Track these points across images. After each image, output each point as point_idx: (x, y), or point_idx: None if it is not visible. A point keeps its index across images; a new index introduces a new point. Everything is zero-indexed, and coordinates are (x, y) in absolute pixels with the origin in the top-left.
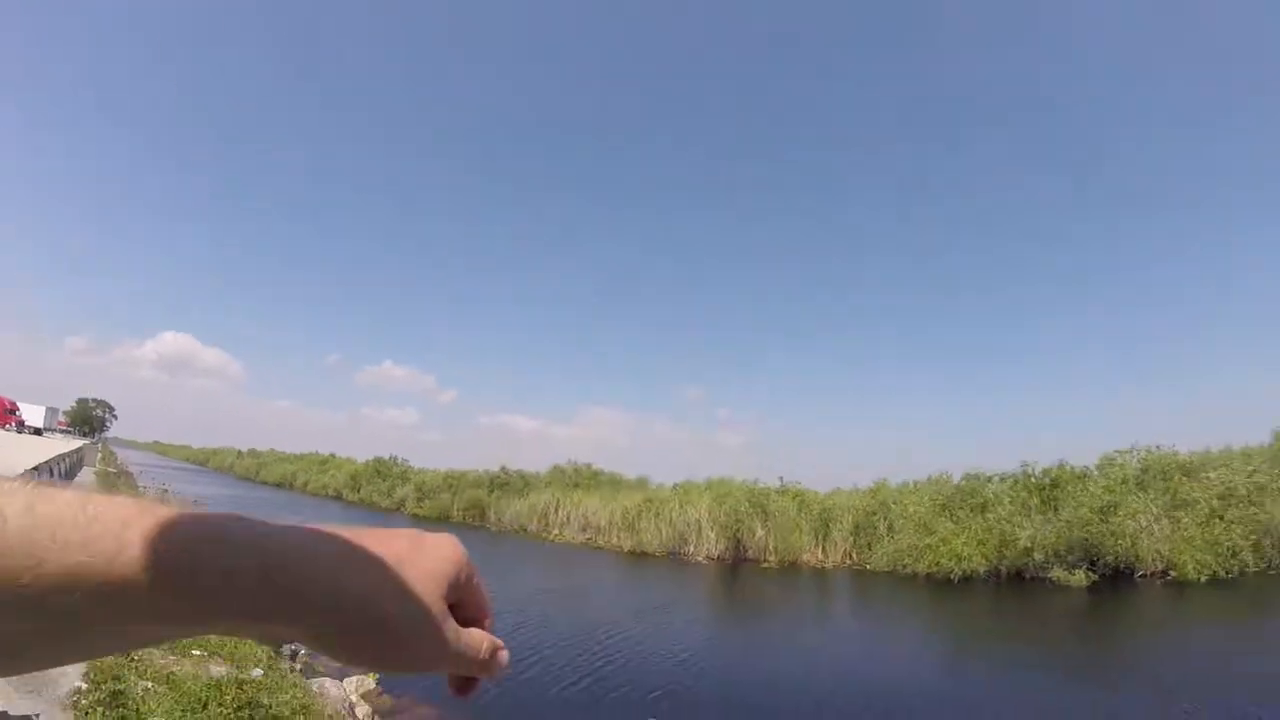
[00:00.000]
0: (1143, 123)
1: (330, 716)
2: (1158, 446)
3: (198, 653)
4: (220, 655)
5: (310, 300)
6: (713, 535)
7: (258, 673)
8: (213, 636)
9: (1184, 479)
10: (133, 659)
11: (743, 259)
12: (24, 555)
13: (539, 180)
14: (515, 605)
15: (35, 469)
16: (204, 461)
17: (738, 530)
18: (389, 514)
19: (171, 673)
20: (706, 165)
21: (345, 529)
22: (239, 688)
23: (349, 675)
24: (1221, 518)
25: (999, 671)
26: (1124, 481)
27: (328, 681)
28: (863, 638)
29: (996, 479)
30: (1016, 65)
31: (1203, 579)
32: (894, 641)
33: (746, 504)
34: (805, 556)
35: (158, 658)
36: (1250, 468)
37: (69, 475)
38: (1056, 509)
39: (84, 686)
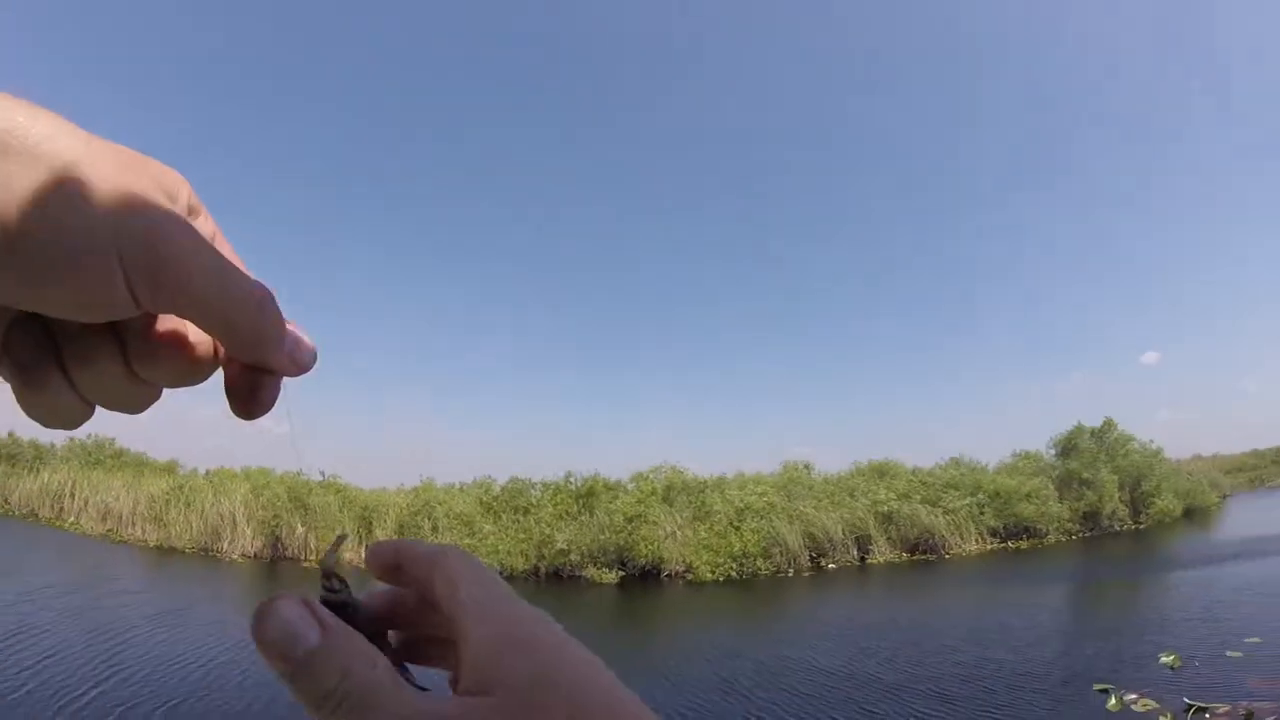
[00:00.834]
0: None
1: None
2: (673, 467)
3: None
4: None
5: None
6: (249, 530)
7: None
8: None
9: (708, 494)
10: None
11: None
12: None
13: None
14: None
15: None
16: None
17: (276, 525)
18: None
19: None
20: None
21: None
22: None
23: None
24: (738, 528)
25: None
26: (652, 494)
27: None
28: None
29: (540, 485)
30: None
31: (720, 579)
32: None
33: (286, 497)
34: (348, 555)
35: None
36: (760, 489)
37: None
38: (592, 514)
39: None
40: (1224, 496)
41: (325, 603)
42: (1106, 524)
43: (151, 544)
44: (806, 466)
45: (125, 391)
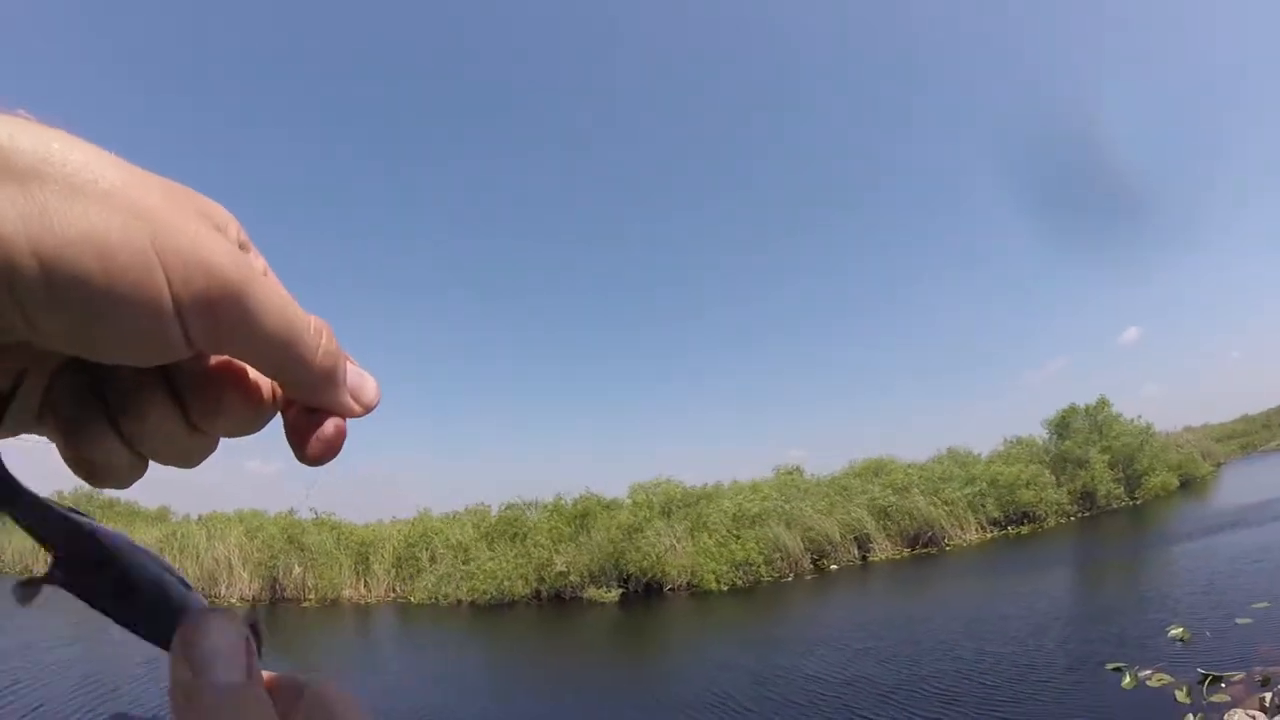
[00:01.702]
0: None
1: None
2: (673, 480)
3: None
4: None
5: None
6: (245, 574)
7: None
8: None
9: (706, 504)
10: None
11: None
12: None
13: None
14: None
15: None
16: None
17: (273, 566)
18: None
19: None
20: None
21: None
22: None
23: None
24: (738, 537)
25: (535, 688)
26: (649, 508)
27: None
28: (401, 670)
29: (534, 506)
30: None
31: (723, 589)
32: (435, 670)
33: (281, 538)
34: (346, 592)
35: None
36: (759, 495)
37: None
38: (589, 534)
39: None
40: (1218, 465)
41: None
42: (1103, 503)
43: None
44: (798, 469)
45: (180, 443)
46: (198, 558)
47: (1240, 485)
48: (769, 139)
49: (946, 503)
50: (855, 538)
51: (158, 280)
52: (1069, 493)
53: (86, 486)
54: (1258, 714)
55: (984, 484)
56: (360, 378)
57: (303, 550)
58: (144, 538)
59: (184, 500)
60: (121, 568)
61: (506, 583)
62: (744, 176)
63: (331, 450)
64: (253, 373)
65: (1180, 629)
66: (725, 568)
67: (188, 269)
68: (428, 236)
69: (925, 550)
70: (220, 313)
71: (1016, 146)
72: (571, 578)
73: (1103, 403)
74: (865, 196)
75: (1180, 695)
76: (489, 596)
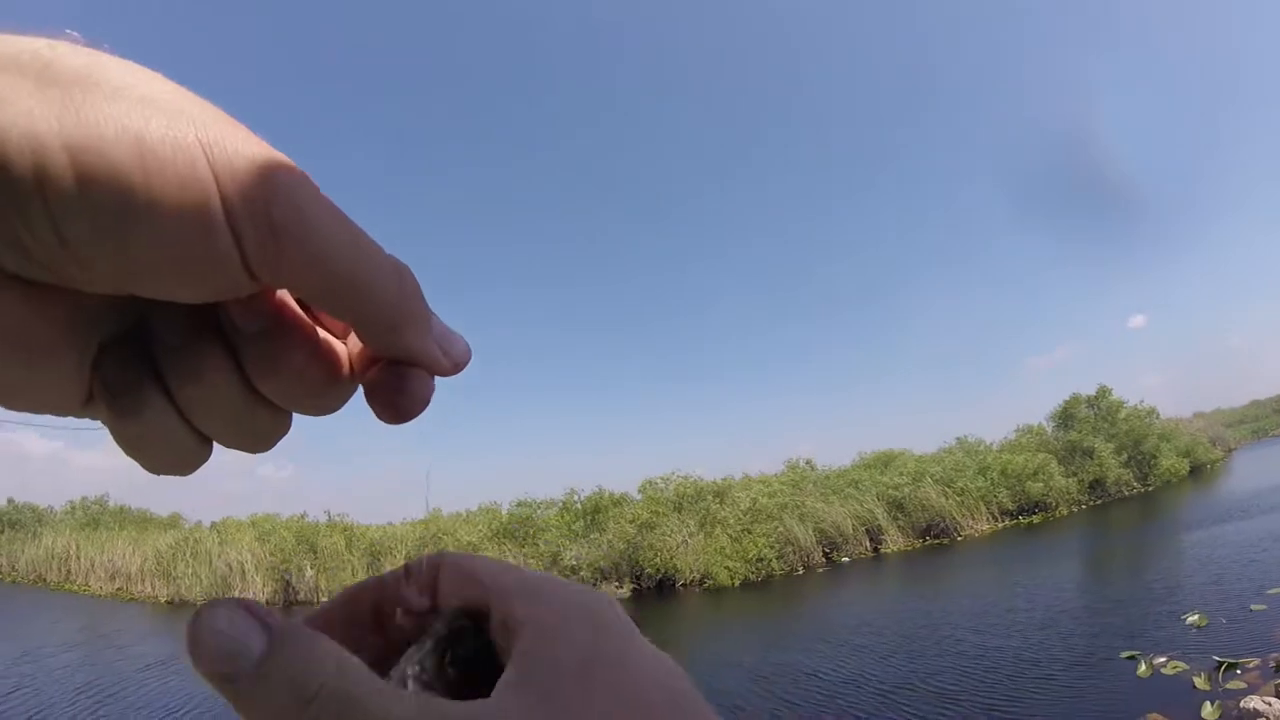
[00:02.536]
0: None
1: None
2: (687, 475)
3: None
4: None
5: None
6: (259, 578)
7: None
8: None
9: (716, 500)
10: None
11: None
12: None
13: None
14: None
15: None
16: None
17: (286, 570)
18: None
19: None
20: None
21: None
22: None
23: None
24: (750, 531)
25: None
26: (662, 503)
27: None
28: None
29: (545, 504)
30: None
31: (736, 584)
32: None
33: (293, 541)
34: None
35: None
36: (771, 490)
37: None
38: (601, 531)
39: None
40: (1228, 451)
41: None
42: (1114, 490)
43: (163, 600)
44: (809, 463)
45: (244, 416)
46: (210, 563)
47: (1252, 471)
48: (777, 139)
49: (958, 493)
50: (867, 530)
51: (203, 177)
52: (1079, 482)
53: (100, 492)
54: (1273, 700)
55: (995, 474)
56: (447, 331)
57: (315, 553)
58: (158, 545)
59: (196, 507)
60: None
61: None
62: (756, 173)
63: (417, 403)
64: (323, 334)
65: (1197, 615)
66: (737, 563)
67: (239, 167)
68: (440, 237)
69: (937, 541)
70: (279, 219)
71: (1017, 141)
72: (582, 573)
73: (1103, 391)
74: (876, 180)
75: (1199, 681)
76: None
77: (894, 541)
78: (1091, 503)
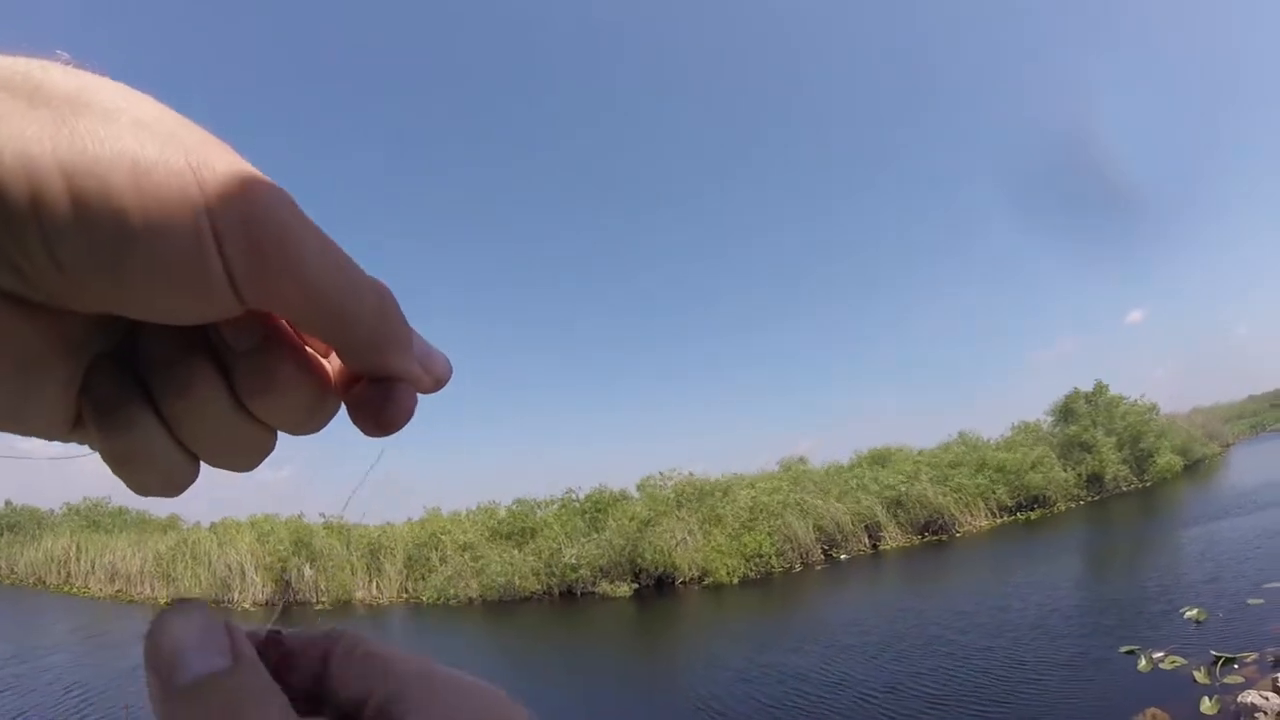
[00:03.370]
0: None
1: None
2: (690, 473)
3: None
4: None
5: None
6: (258, 578)
7: None
8: None
9: (720, 497)
10: None
11: None
12: None
13: None
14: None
15: None
16: None
17: (284, 571)
18: None
19: None
20: None
21: None
22: None
23: None
24: (751, 529)
25: (549, 683)
26: (663, 501)
27: None
28: None
29: (544, 503)
30: None
31: (735, 581)
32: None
33: (291, 542)
34: (358, 594)
35: None
36: (771, 487)
37: None
38: (601, 529)
39: None
40: (1226, 446)
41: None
42: (1112, 486)
43: (162, 601)
44: (803, 460)
45: (233, 434)
46: (209, 565)
47: (1249, 466)
48: (777, 139)
49: (955, 490)
50: (865, 526)
51: (194, 200)
52: (1077, 476)
53: (93, 497)
54: (1270, 694)
55: (992, 471)
56: (427, 350)
57: (313, 554)
58: (158, 546)
59: (194, 510)
60: None
61: (517, 578)
62: (756, 173)
63: (404, 415)
64: (310, 353)
65: (1196, 610)
66: (737, 560)
67: (227, 190)
68: (435, 237)
69: (936, 537)
70: (265, 240)
71: (1016, 141)
72: (583, 572)
73: (1100, 388)
74: (876, 180)
75: (1199, 676)
76: (499, 592)
77: (893, 538)
78: (1089, 498)
